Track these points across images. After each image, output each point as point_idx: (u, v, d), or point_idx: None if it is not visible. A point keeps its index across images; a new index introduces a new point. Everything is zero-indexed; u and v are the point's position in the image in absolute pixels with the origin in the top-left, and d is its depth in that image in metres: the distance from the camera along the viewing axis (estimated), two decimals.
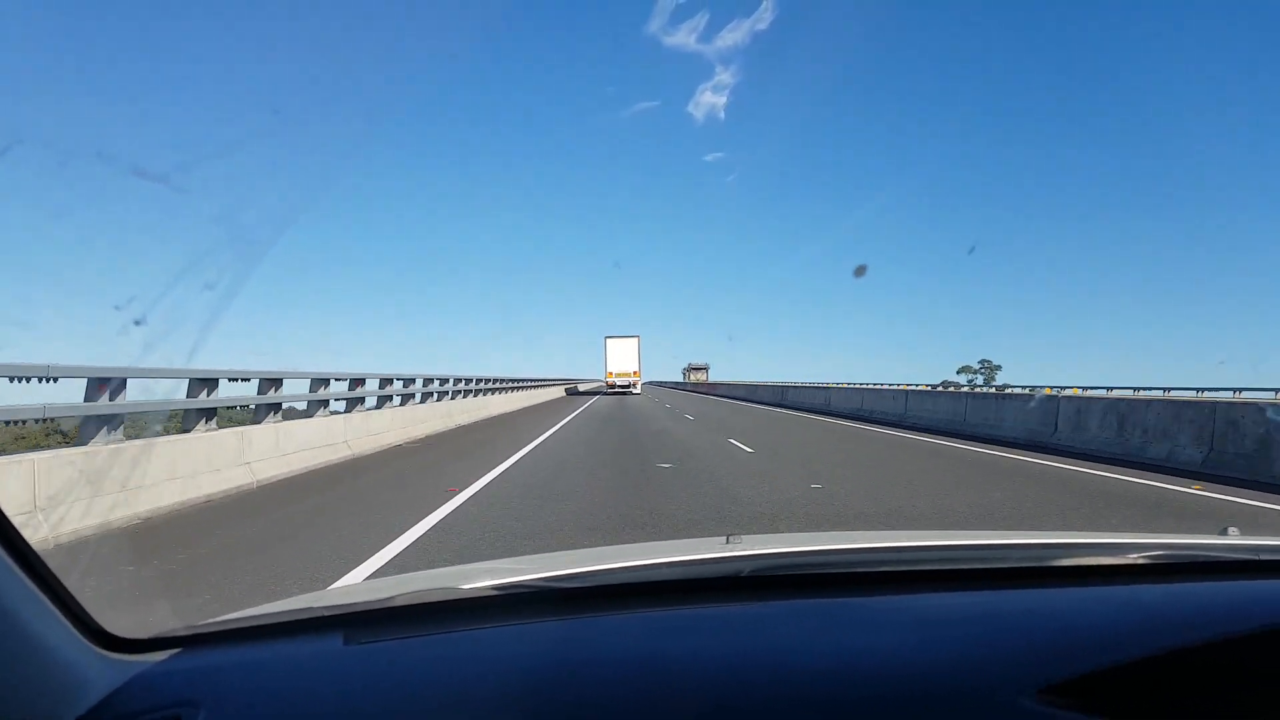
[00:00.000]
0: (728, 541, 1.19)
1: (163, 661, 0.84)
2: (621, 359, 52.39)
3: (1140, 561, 1.06)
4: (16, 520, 4.56)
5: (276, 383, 9.14)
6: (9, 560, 0.70)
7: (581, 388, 56.52)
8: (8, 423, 6.45)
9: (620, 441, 13.39)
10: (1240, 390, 29.92)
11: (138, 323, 2.15)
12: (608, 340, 53.03)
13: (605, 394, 48.97)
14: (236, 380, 8.47)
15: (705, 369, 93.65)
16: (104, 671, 0.78)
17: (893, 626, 0.87)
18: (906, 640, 0.82)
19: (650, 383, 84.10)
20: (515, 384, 29.49)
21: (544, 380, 39.86)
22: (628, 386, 51.56)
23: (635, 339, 53.15)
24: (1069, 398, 13.11)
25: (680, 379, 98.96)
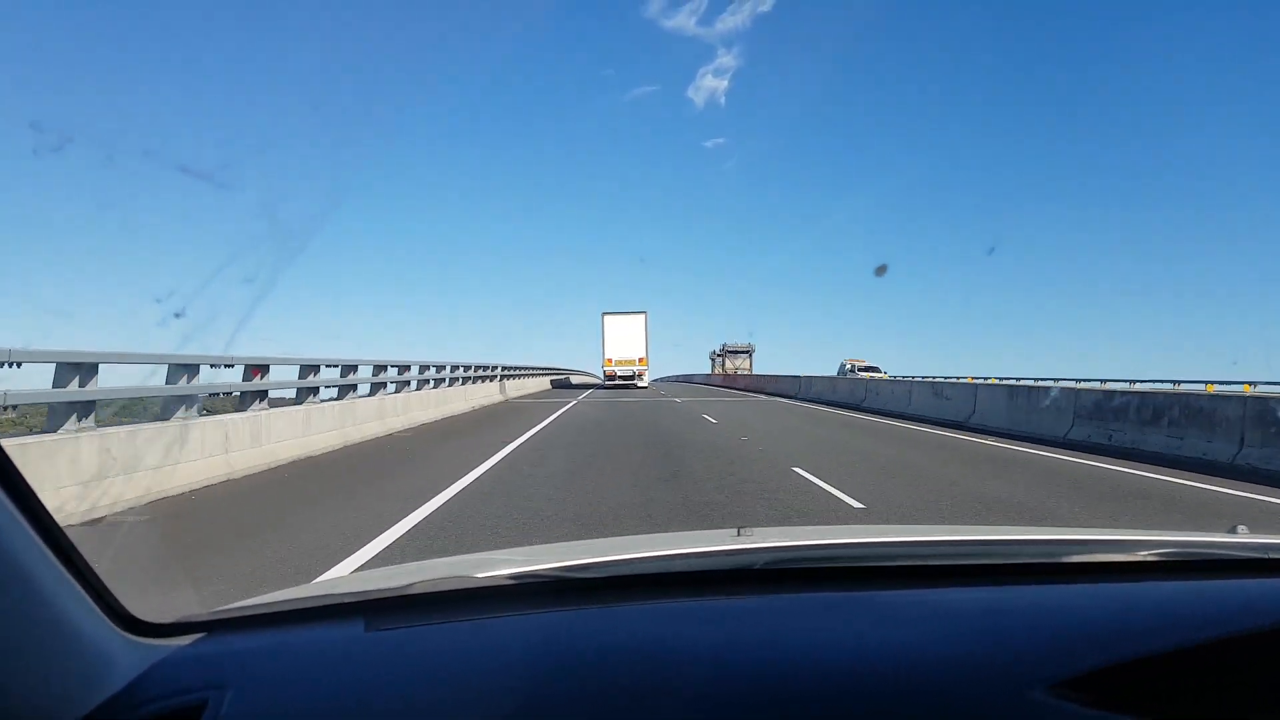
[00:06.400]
0: (739, 534, 1.20)
1: (188, 646, 0.85)
2: (624, 342, 39.43)
3: (1151, 559, 1.07)
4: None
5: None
6: (41, 544, 0.72)
7: (574, 380, 44.79)
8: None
9: None
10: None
11: (178, 315, 2.19)
12: (605, 318, 39.97)
13: (601, 388, 36.52)
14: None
15: (748, 353, 64.44)
16: (130, 655, 0.80)
17: (905, 620, 0.87)
18: (919, 633, 0.83)
19: (658, 379, 59.06)
20: (479, 373, 20.96)
21: (529, 369, 31.54)
22: (631, 378, 38.80)
23: (641, 315, 40.23)
24: None
25: (689, 372, 69.19)
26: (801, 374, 31.98)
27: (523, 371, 30.89)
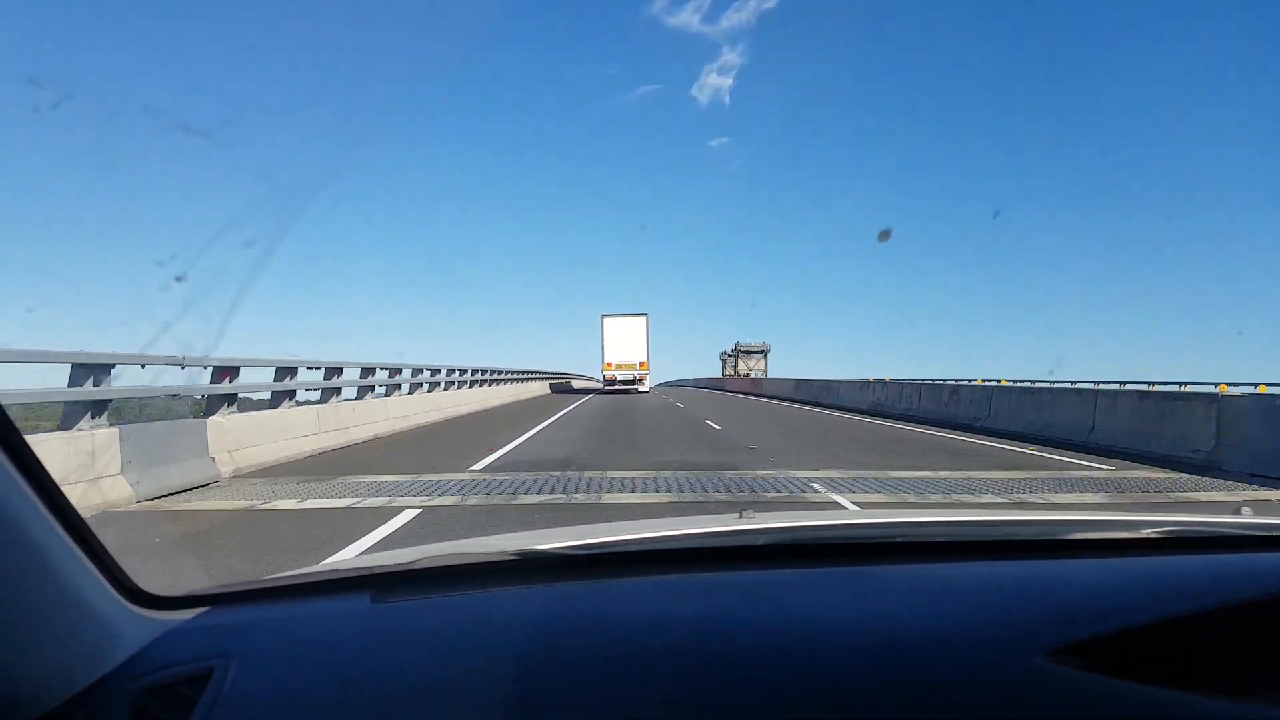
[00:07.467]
0: (740, 517, 1.21)
1: (194, 617, 0.87)
2: (624, 345, 37.96)
3: (1152, 536, 1.07)
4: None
5: None
6: (52, 519, 0.73)
7: (576, 384, 43.52)
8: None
9: None
10: None
11: (179, 279, 2.21)
12: (605, 320, 38.38)
13: (601, 393, 35.19)
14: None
15: (763, 353, 62.59)
16: (137, 626, 0.82)
17: (904, 593, 0.88)
18: (917, 606, 0.84)
19: (660, 384, 57.50)
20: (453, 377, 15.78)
21: (521, 373, 29.01)
22: (632, 383, 37.19)
23: (642, 318, 38.73)
24: None
25: (713, 375, 65.26)
26: (1080, 385, 13.81)
27: (463, 377, 18.95)
